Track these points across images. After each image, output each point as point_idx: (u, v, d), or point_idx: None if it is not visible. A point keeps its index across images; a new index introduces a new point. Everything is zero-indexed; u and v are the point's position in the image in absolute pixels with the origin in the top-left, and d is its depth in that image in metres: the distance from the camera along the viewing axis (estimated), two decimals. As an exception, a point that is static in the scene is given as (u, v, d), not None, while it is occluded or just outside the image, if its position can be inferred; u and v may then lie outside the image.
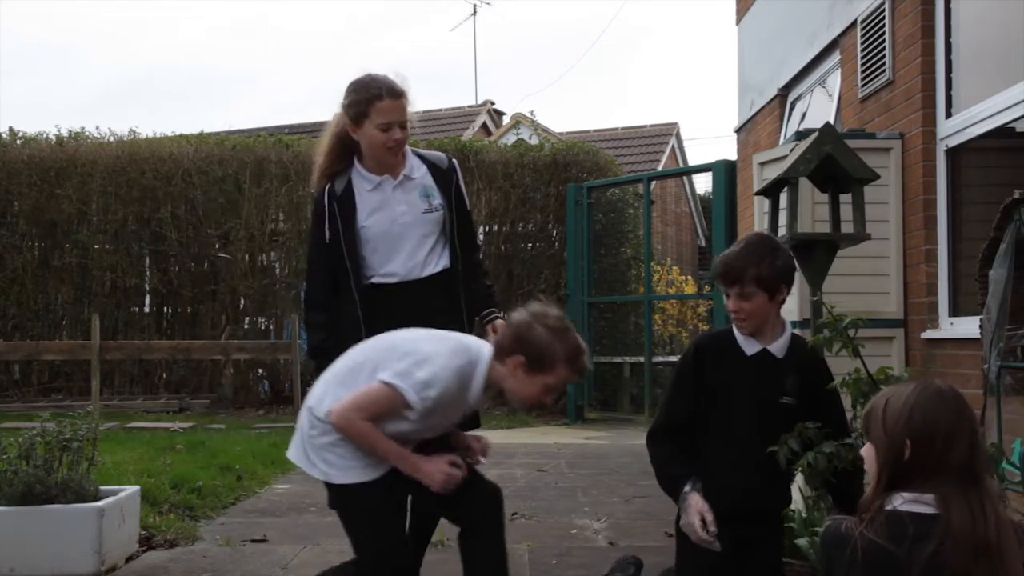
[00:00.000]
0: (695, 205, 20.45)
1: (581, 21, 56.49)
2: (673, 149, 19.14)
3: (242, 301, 10.93)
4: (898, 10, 4.99)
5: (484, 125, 18.16)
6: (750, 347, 2.82)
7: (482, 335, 3.17)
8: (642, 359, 9.66)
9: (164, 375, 10.81)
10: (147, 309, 11.02)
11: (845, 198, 3.75)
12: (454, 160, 3.31)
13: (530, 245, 10.75)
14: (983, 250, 3.28)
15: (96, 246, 10.67)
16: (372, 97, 3.03)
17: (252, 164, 10.67)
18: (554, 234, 10.78)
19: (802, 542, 2.87)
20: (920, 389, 1.93)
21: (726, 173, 8.61)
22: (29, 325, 10.65)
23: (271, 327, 10.96)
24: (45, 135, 11.25)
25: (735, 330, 2.85)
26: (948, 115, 4.62)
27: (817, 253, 3.66)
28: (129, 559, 4.05)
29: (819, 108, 6.47)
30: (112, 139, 11.41)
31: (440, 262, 3.19)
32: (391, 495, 2.72)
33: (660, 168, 16.92)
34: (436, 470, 2.65)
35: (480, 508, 2.79)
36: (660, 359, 10.21)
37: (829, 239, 3.71)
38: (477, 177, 10.46)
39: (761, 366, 2.80)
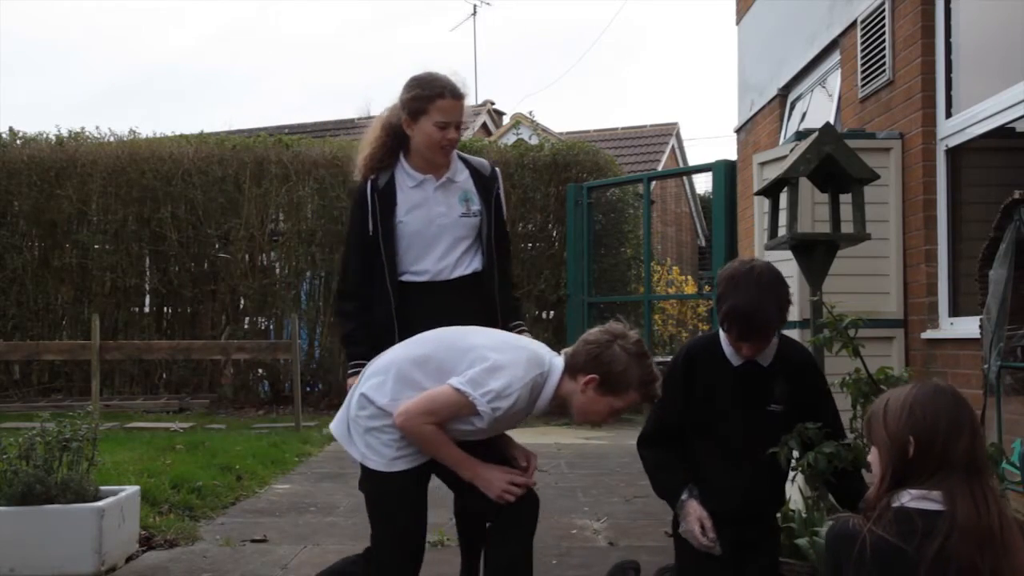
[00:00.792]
0: (695, 205, 20.46)
1: (581, 21, 56.54)
2: (673, 149, 19.15)
3: (242, 301, 10.93)
4: (898, 10, 4.99)
5: (484, 125, 18.15)
6: (736, 358, 2.83)
7: None
8: (642, 359, 9.65)
9: (164, 375, 10.81)
10: (147, 309, 11.01)
11: (845, 198, 3.75)
12: (497, 168, 3.33)
13: (530, 245, 10.75)
14: (983, 250, 3.29)
15: (96, 246, 10.66)
16: (434, 95, 3.05)
17: (252, 164, 10.67)
18: (554, 234, 10.78)
19: (802, 542, 2.87)
20: (918, 387, 1.96)
21: (726, 173, 8.61)
22: (29, 325, 10.65)
23: (271, 327, 10.96)
24: (45, 135, 11.25)
25: (722, 337, 2.85)
26: (948, 115, 4.63)
27: (817, 253, 3.66)
28: (129, 559, 4.05)
29: (819, 108, 6.46)
30: (112, 139, 11.40)
31: (471, 265, 3.19)
32: (421, 487, 2.71)
33: (660, 168, 16.92)
34: (496, 479, 2.65)
35: (515, 511, 2.77)
36: (660, 359, 10.15)
37: (829, 239, 3.71)
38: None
39: (747, 376, 2.81)
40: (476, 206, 3.19)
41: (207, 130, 11.99)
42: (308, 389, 10.60)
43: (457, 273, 3.15)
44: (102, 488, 4.00)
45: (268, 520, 4.88)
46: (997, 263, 3.15)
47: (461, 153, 3.28)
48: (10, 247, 10.63)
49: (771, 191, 3.92)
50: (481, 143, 11.76)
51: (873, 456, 1.96)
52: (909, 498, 1.86)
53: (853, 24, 5.53)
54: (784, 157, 4.09)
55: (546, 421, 9.72)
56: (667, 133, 19.23)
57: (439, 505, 3.54)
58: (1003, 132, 4.29)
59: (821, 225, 4.42)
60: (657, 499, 3.03)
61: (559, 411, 2.81)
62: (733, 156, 8.96)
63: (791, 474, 2.87)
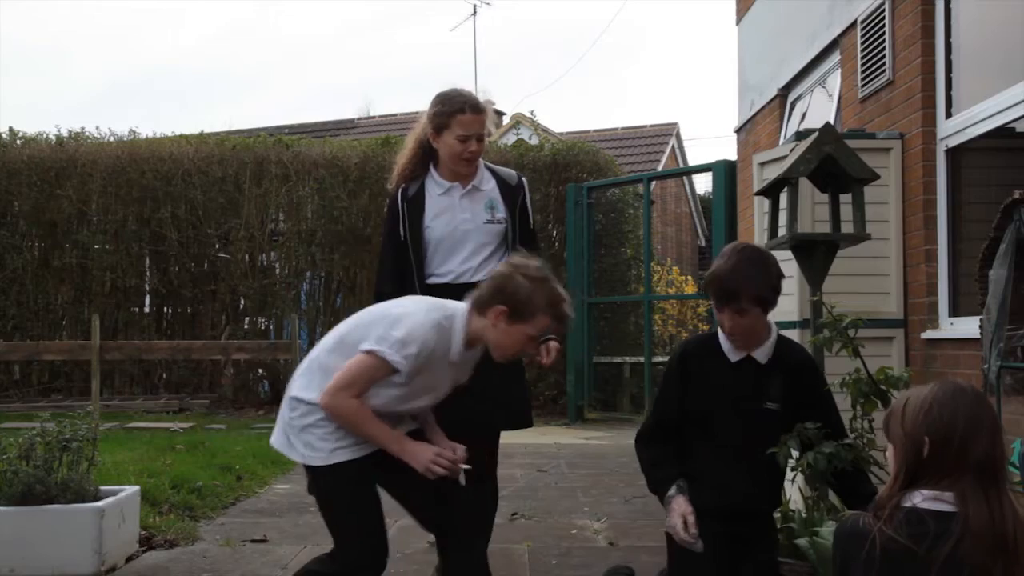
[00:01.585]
0: (695, 205, 20.45)
1: (581, 21, 56.46)
2: (673, 149, 19.14)
3: (242, 301, 10.93)
4: (898, 10, 4.99)
5: (484, 125, 18.12)
6: (734, 354, 2.83)
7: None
8: (642, 359, 9.66)
9: (164, 375, 10.81)
10: (147, 309, 11.01)
11: (845, 198, 3.75)
12: (523, 179, 3.49)
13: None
14: (983, 250, 3.29)
15: (96, 246, 10.67)
16: (455, 110, 3.24)
17: (252, 164, 10.67)
18: (554, 234, 10.78)
19: (802, 542, 2.87)
20: (939, 386, 1.91)
21: (726, 173, 8.61)
22: (29, 325, 10.65)
23: (271, 327, 10.96)
24: (45, 135, 11.26)
25: (720, 335, 2.86)
26: (948, 115, 4.63)
27: (817, 253, 3.66)
28: (129, 559, 4.05)
29: (819, 108, 6.47)
30: (112, 139, 11.42)
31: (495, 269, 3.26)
32: (366, 479, 2.70)
33: (660, 168, 16.91)
34: (423, 452, 2.64)
35: (460, 517, 2.82)
36: (660, 359, 10.19)
37: (829, 239, 3.71)
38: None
39: (745, 373, 2.81)
40: (501, 213, 3.36)
41: (207, 130, 12.02)
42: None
43: (480, 276, 3.24)
44: (102, 488, 4.00)
45: (268, 520, 4.88)
46: (997, 263, 3.15)
47: (489, 164, 3.47)
48: (10, 247, 10.64)
49: (771, 191, 3.92)
50: (481, 143, 11.74)
51: (889, 453, 1.94)
52: (921, 498, 1.84)
53: (853, 24, 5.53)
54: (784, 157, 4.09)
55: (546, 421, 9.75)
56: (667, 133, 19.22)
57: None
58: (1003, 132, 4.29)
59: (821, 225, 4.42)
60: (657, 499, 3.04)
61: (497, 362, 2.76)
62: (733, 156, 8.96)
63: (791, 474, 2.87)
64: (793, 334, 4.67)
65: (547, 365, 3.31)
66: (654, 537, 4.43)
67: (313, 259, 10.68)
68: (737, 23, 8.27)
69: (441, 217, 3.32)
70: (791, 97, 7.05)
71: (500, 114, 18.93)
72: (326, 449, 2.65)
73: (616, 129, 20.04)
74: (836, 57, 6.00)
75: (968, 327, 4.05)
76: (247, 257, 10.73)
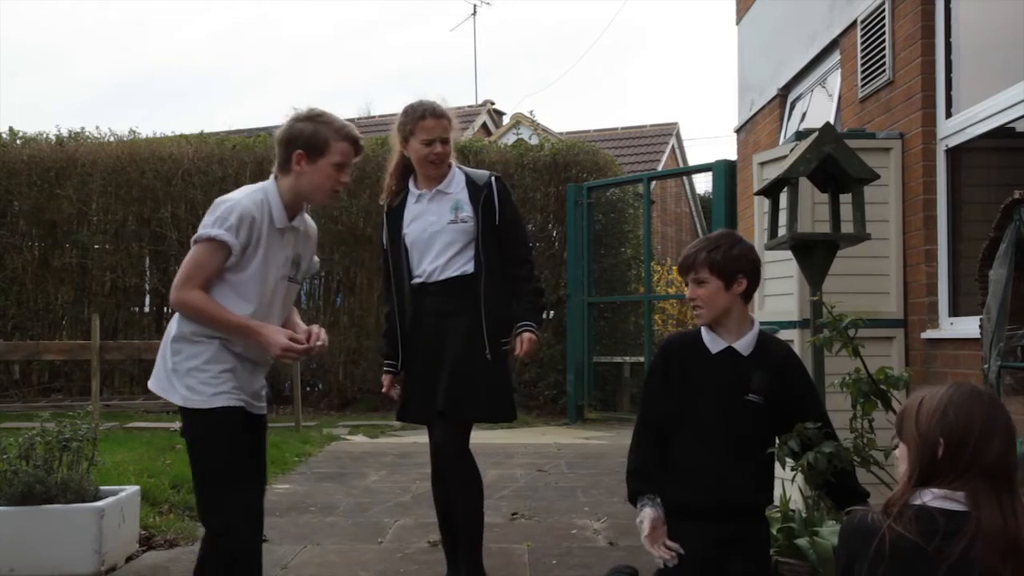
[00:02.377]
0: (695, 205, 20.45)
1: (581, 21, 56.51)
2: (673, 149, 19.15)
3: (242, 301, 10.91)
4: (898, 10, 4.99)
5: (484, 125, 18.15)
6: (715, 345, 2.84)
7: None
8: (642, 359, 9.66)
9: (164, 375, 10.79)
10: (147, 309, 11.00)
11: (845, 198, 3.75)
12: (495, 177, 3.61)
13: (530, 245, 10.74)
14: (983, 250, 3.28)
15: (96, 246, 10.67)
16: (418, 116, 3.46)
17: (252, 164, 10.65)
18: (554, 234, 10.78)
19: (802, 542, 2.87)
20: (955, 388, 1.91)
21: (726, 173, 8.61)
22: (29, 325, 10.65)
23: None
24: (45, 135, 11.25)
25: (703, 329, 2.87)
26: (948, 115, 4.63)
27: (817, 253, 3.66)
28: (129, 559, 4.05)
29: (819, 108, 6.47)
30: (112, 139, 11.41)
31: (462, 268, 3.48)
32: (243, 431, 2.78)
33: (660, 168, 16.92)
34: (278, 336, 2.74)
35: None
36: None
37: (829, 239, 3.71)
38: (477, 177, 10.45)
39: (726, 363, 2.81)
40: (465, 212, 3.50)
41: (207, 130, 12.00)
42: (308, 389, 10.60)
43: (446, 275, 3.48)
44: (102, 488, 4.00)
45: (268, 520, 4.84)
46: (997, 263, 3.14)
47: (467, 168, 3.63)
48: (10, 247, 10.63)
49: (771, 191, 3.92)
50: (481, 143, 11.76)
51: (901, 453, 1.93)
52: (931, 497, 1.83)
53: (853, 24, 5.53)
54: (784, 157, 4.09)
55: (546, 421, 9.76)
56: (667, 133, 19.23)
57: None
58: (1003, 132, 4.29)
59: (821, 225, 4.42)
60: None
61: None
62: (733, 156, 8.96)
63: (791, 474, 2.87)
64: (793, 334, 4.67)
65: (519, 356, 3.49)
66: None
67: (313, 259, 10.67)
68: (737, 23, 8.27)
69: (415, 222, 3.54)
70: (791, 97, 7.05)
71: (500, 114, 18.96)
72: (207, 393, 2.73)
73: (616, 129, 20.04)
74: (836, 57, 6.00)
75: (968, 327, 4.05)
76: (247, 257, 10.71)
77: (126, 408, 9.62)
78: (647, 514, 2.74)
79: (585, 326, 9.74)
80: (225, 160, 10.72)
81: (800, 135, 4.57)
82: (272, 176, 2.87)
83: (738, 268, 2.80)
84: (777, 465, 2.83)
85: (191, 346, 2.77)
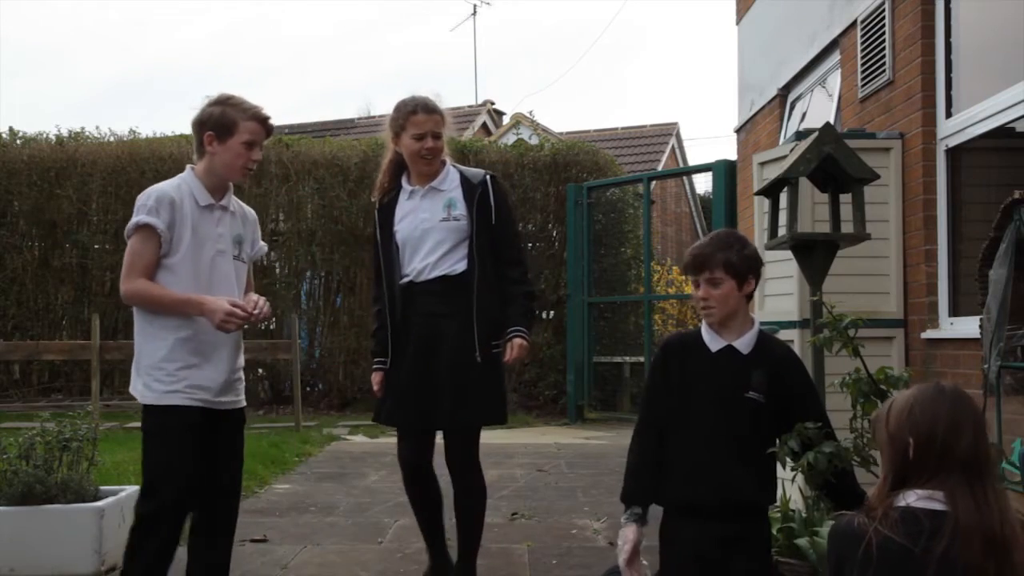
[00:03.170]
0: (695, 205, 20.45)
1: (581, 21, 56.50)
2: (673, 149, 19.15)
3: (242, 301, 10.91)
4: (898, 10, 4.99)
5: (484, 125, 18.15)
6: (715, 343, 2.84)
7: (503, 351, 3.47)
8: (642, 359, 9.66)
9: (164, 375, 10.79)
10: (147, 309, 10.99)
11: (845, 198, 3.75)
12: (491, 176, 3.56)
13: (530, 245, 10.75)
14: (983, 250, 3.28)
15: (96, 246, 10.67)
16: (409, 111, 3.44)
17: (252, 164, 10.65)
18: (554, 234, 10.78)
19: (802, 542, 2.87)
20: (920, 388, 1.95)
21: (726, 173, 8.61)
22: (29, 325, 10.65)
23: (271, 327, 10.96)
24: (45, 135, 11.25)
25: (703, 328, 2.87)
26: (948, 115, 4.63)
27: (817, 253, 3.66)
28: (129, 559, 4.04)
29: (819, 108, 6.47)
30: (112, 139, 11.40)
31: (454, 267, 3.41)
32: (193, 431, 2.90)
33: (660, 168, 16.92)
34: (220, 306, 2.85)
35: (215, 507, 3.11)
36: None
37: (829, 239, 3.71)
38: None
39: (725, 361, 2.81)
40: (459, 210, 3.44)
41: (207, 130, 11.97)
42: (308, 389, 10.59)
43: (436, 274, 3.41)
44: (102, 488, 4.01)
45: (268, 520, 4.88)
46: (997, 263, 3.14)
47: (462, 167, 3.57)
48: (10, 247, 10.64)
49: (771, 191, 3.92)
50: (481, 143, 11.75)
51: (879, 457, 1.97)
52: (915, 498, 1.85)
53: (853, 24, 5.53)
54: (784, 157, 4.09)
55: (546, 421, 9.76)
56: (667, 133, 19.23)
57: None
58: (1003, 132, 4.29)
59: (821, 225, 4.42)
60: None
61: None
62: (733, 156, 8.96)
63: (791, 474, 2.87)
64: (793, 334, 4.68)
65: (509, 362, 3.42)
66: (654, 537, 4.42)
67: (313, 259, 10.67)
68: (737, 23, 8.27)
69: (406, 219, 3.48)
70: (791, 97, 7.05)
71: (500, 114, 18.96)
72: (160, 390, 2.89)
73: (616, 129, 20.04)
74: (836, 57, 6.00)
75: (968, 327, 4.05)
76: (247, 257, 10.71)
77: (126, 408, 9.61)
78: (628, 536, 2.74)
79: (585, 326, 9.74)
80: (225, 160, 10.70)
81: (800, 135, 4.57)
82: (188, 167, 3.07)
83: (750, 268, 2.81)
84: (777, 465, 2.83)
85: (149, 342, 2.93)
